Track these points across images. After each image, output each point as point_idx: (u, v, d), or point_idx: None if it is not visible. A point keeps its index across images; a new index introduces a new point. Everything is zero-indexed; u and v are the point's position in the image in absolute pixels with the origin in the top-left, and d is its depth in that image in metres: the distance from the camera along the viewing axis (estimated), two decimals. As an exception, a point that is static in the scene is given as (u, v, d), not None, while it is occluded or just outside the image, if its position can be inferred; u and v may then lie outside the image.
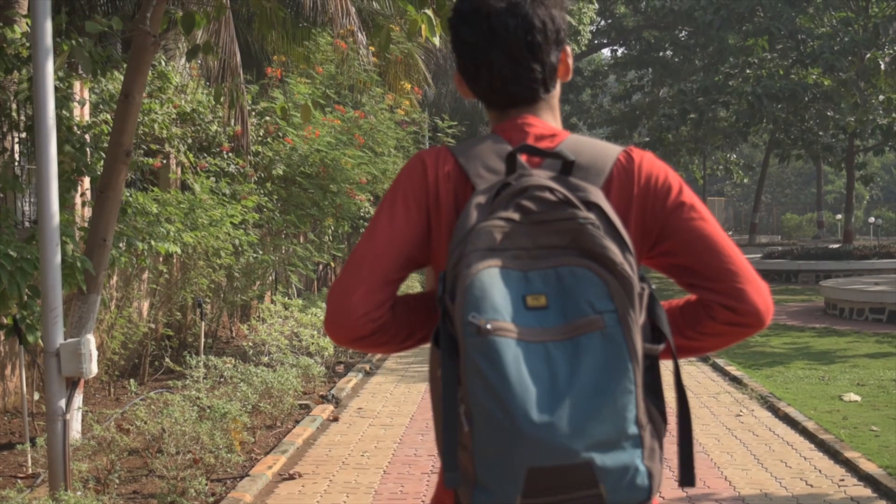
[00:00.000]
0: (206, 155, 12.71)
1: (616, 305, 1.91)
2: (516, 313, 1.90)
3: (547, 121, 2.27)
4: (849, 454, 7.56)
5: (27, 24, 7.01)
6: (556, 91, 2.30)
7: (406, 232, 2.15)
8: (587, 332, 1.89)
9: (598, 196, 2.00)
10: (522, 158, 2.11)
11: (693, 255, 2.15)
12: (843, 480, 7.09)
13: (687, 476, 2.06)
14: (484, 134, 2.26)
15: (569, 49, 2.30)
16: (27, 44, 7.57)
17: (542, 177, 2.02)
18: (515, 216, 1.97)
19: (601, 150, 2.19)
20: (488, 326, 1.86)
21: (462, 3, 2.24)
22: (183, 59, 14.25)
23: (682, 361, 2.26)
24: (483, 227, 1.95)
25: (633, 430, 1.91)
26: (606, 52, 50.24)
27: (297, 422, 9.14)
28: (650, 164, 2.19)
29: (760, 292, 2.12)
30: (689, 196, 2.18)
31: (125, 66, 7.56)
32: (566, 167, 2.06)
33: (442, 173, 2.17)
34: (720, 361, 12.08)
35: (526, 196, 1.98)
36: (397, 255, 2.14)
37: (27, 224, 9.54)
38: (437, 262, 2.19)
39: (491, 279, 1.91)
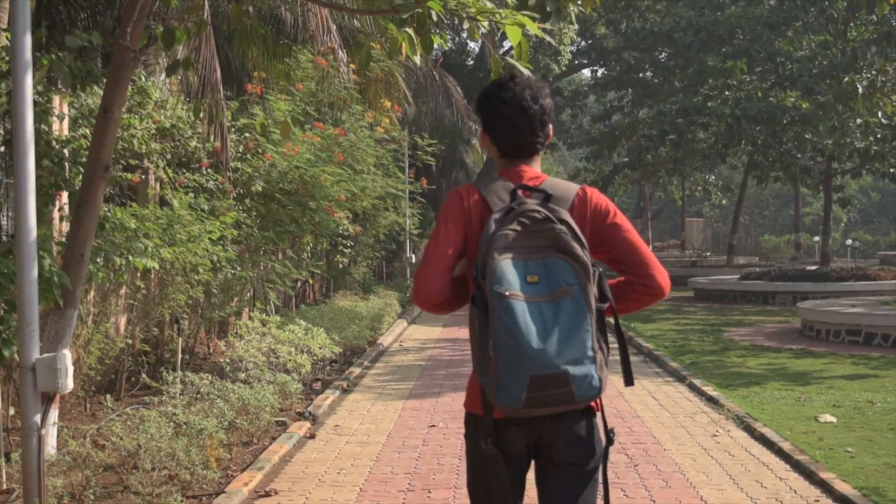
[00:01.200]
0: (185, 171, 12.69)
1: (579, 281, 3.32)
2: (521, 286, 3.29)
3: (535, 169, 3.70)
4: (824, 475, 7.59)
5: (7, 37, 6.99)
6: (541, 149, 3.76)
7: (455, 239, 3.57)
8: (563, 297, 3.30)
9: (566, 215, 3.43)
10: (521, 192, 3.51)
11: (623, 253, 3.60)
12: (818, 501, 7.11)
13: (628, 380, 3.59)
14: (493, 175, 3.71)
15: (551, 125, 3.74)
16: (6, 57, 7.55)
17: (532, 203, 3.44)
18: (518, 227, 3.38)
19: (567, 187, 3.62)
20: (507, 293, 3.26)
21: (500, 90, 3.68)
22: (163, 75, 14.24)
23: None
24: (499, 234, 3.36)
25: (590, 353, 3.27)
26: (586, 72, 50.46)
27: (274, 439, 9.12)
28: (597, 197, 3.64)
29: (663, 275, 3.59)
30: (621, 218, 3.62)
31: (105, 80, 7.55)
32: (547, 198, 3.49)
33: (472, 201, 3.59)
34: (697, 382, 12.10)
35: (523, 215, 3.40)
36: (451, 254, 3.56)
37: (4, 238, 9.50)
38: (469, 254, 3.57)
39: (506, 266, 3.31)
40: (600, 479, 3.59)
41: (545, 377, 3.21)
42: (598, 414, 3.57)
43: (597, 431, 3.55)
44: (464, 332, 18.06)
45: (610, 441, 3.51)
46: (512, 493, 3.59)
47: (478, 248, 3.41)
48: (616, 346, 3.65)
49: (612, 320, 3.50)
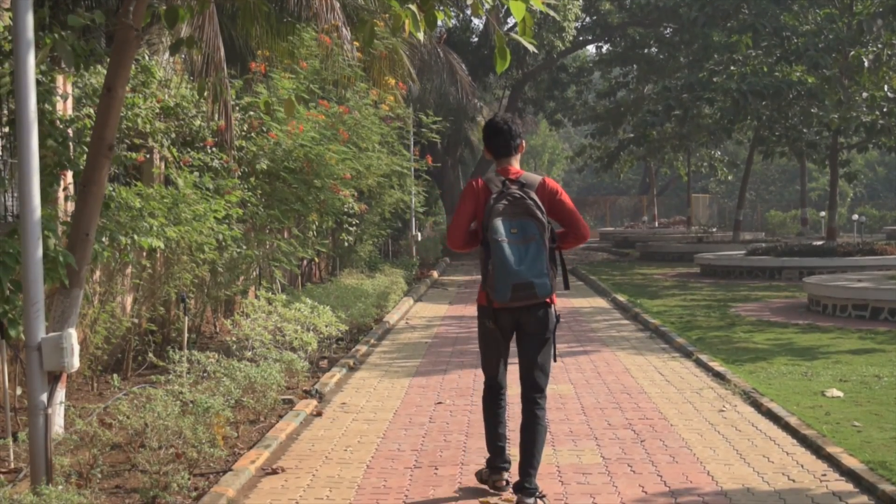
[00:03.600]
0: (189, 150, 12.67)
1: (539, 233, 6.37)
2: (507, 235, 6.33)
3: (516, 166, 6.67)
4: (831, 449, 7.59)
5: (9, 17, 6.98)
6: (519, 154, 6.75)
7: (470, 210, 6.60)
8: (531, 242, 6.35)
9: (534, 194, 6.45)
10: (508, 182, 6.59)
11: (562, 216, 6.68)
12: (825, 475, 7.11)
13: (566, 285, 6.79)
14: (492, 170, 6.79)
15: (524, 140, 6.80)
16: (9, 37, 7.54)
17: (514, 188, 6.48)
18: (506, 202, 6.40)
19: (535, 178, 6.63)
20: (499, 239, 6.31)
21: (492, 120, 6.78)
22: (166, 54, 14.20)
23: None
24: (496, 206, 6.38)
25: (545, 271, 6.36)
26: (591, 48, 50.28)
27: (281, 416, 9.13)
28: (551, 183, 6.66)
29: (585, 228, 6.71)
30: (564, 195, 6.66)
31: (108, 60, 7.54)
32: (522, 185, 6.50)
33: (480, 187, 6.59)
34: (703, 357, 12.09)
35: (510, 195, 6.42)
36: (468, 217, 6.62)
37: (9, 218, 9.51)
38: (479, 217, 6.53)
39: (499, 224, 6.35)
40: (554, 344, 6.63)
41: (520, 284, 6.26)
42: (553, 306, 6.56)
43: (551, 316, 6.55)
44: (469, 311, 18.19)
45: (557, 320, 6.60)
46: (502, 348, 6.69)
47: (484, 213, 6.38)
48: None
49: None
